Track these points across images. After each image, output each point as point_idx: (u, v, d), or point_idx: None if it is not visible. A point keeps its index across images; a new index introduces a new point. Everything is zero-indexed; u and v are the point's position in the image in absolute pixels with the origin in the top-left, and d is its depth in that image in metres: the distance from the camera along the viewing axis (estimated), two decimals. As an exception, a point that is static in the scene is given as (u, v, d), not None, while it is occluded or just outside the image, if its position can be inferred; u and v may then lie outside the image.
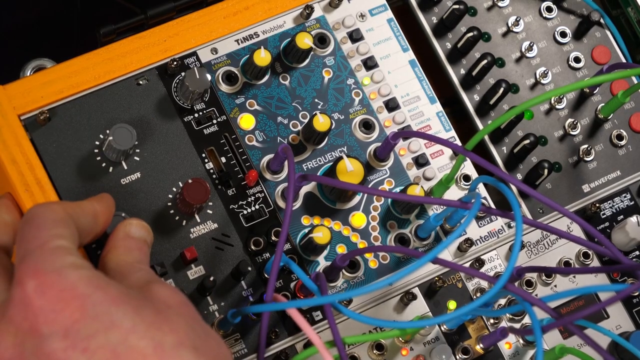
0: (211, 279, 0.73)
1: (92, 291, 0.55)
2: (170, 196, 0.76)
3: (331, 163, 0.79)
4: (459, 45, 0.85)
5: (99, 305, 0.55)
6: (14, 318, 0.56)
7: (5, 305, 0.57)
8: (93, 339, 0.54)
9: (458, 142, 0.83)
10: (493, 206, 0.81)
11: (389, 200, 0.80)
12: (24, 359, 0.55)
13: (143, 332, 0.55)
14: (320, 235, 0.75)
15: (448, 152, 0.82)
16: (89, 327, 0.54)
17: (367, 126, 0.81)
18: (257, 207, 0.78)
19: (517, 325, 0.80)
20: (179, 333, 0.56)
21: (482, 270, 0.80)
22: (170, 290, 0.60)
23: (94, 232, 0.66)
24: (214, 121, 0.79)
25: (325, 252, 0.78)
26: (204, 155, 0.78)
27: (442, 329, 0.79)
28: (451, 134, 0.83)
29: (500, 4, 0.87)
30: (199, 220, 0.76)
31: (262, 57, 0.78)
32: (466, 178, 0.82)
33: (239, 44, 0.81)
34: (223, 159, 0.78)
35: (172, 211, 0.76)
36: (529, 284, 0.81)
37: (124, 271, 0.62)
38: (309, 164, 0.80)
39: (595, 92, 0.86)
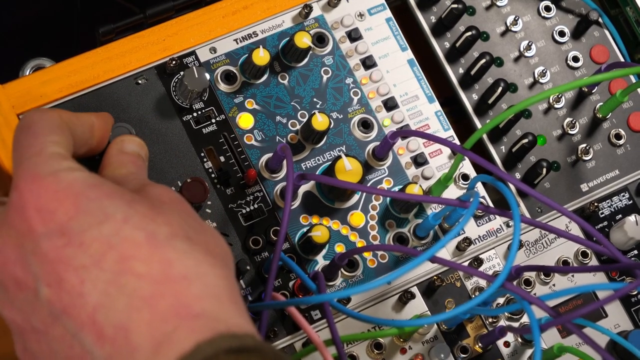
0: (210, 277, 0.74)
1: (86, 189, 0.56)
2: (169, 195, 0.76)
3: (330, 162, 0.79)
4: (457, 45, 0.85)
5: (93, 201, 0.56)
6: (13, 222, 0.56)
7: (6, 211, 0.57)
8: (87, 233, 0.55)
9: (456, 141, 0.83)
10: (491, 205, 0.81)
11: (388, 199, 0.80)
12: (24, 259, 0.56)
13: (136, 223, 0.55)
14: (319, 234, 0.75)
15: (447, 151, 0.82)
16: (82, 222, 0.55)
17: (365, 125, 0.81)
18: (255, 206, 0.78)
19: (515, 324, 0.80)
20: (173, 225, 0.56)
21: (481, 269, 0.80)
22: (164, 189, 0.60)
23: (89, 144, 0.66)
24: (213, 120, 0.79)
25: (324, 251, 0.78)
26: (202, 154, 0.78)
27: (441, 328, 0.79)
28: (450, 133, 0.83)
29: (498, 3, 0.87)
30: (197, 219, 0.76)
31: (261, 57, 0.78)
32: (465, 177, 0.82)
33: (237, 43, 0.81)
34: (222, 158, 0.78)
35: (171, 210, 0.76)
36: (528, 282, 0.81)
37: (118, 182, 0.62)
38: (308, 163, 0.80)
39: (593, 91, 0.86)
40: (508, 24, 0.86)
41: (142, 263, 0.54)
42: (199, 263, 0.55)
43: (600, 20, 0.88)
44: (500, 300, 0.80)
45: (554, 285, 0.82)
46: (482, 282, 0.80)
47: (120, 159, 0.66)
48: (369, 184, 0.80)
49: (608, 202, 0.85)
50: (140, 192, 0.60)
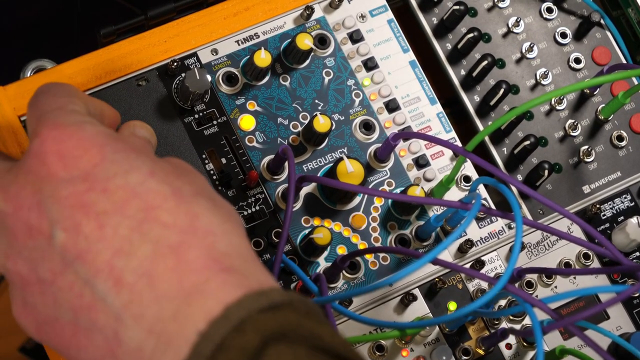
0: (211, 280, 0.73)
1: (111, 142, 0.55)
2: (171, 197, 0.76)
3: (331, 164, 0.79)
4: (459, 46, 0.85)
5: (119, 152, 0.55)
6: (32, 167, 0.55)
7: (24, 159, 0.56)
8: (112, 180, 0.53)
9: (458, 143, 0.83)
10: (493, 207, 0.81)
11: (390, 201, 0.80)
12: (42, 205, 0.54)
13: (162, 177, 0.54)
14: (321, 236, 0.75)
15: (448, 153, 0.82)
16: (108, 170, 0.54)
17: (367, 127, 0.81)
18: (257, 208, 0.78)
19: (517, 327, 0.80)
20: (197, 185, 0.56)
21: (483, 271, 0.80)
22: (182, 161, 0.60)
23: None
24: (214, 122, 0.79)
25: (325, 253, 0.78)
26: (204, 156, 0.78)
27: (443, 330, 0.79)
28: (451, 135, 0.83)
29: (500, 4, 0.87)
30: (199, 221, 0.76)
31: (263, 58, 0.78)
32: (466, 179, 0.82)
33: (239, 44, 0.81)
34: (223, 160, 0.78)
35: (172, 212, 0.76)
36: (530, 285, 0.81)
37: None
38: (309, 165, 0.80)
39: (595, 93, 0.86)
40: (510, 26, 0.86)
41: (168, 213, 0.53)
42: (223, 221, 0.54)
43: (602, 21, 0.88)
44: (502, 303, 0.80)
45: (555, 287, 0.82)
46: (484, 284, 0.80)
47: (133, 140, 0.64)
48: (370, 186, 0.80)
49: (610, 204, 0.85)
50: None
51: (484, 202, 0.81)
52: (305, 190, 0.79)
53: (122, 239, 0.52)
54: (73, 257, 0.53)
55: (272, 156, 0.78)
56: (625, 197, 0.85)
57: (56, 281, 0.54)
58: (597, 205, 0.83)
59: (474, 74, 0.84)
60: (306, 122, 0.80)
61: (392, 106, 0.82)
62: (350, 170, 0.76)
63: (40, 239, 0.54)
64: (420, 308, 0.79)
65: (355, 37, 0.83)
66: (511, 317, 0.80)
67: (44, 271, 0.54)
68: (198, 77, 0.76)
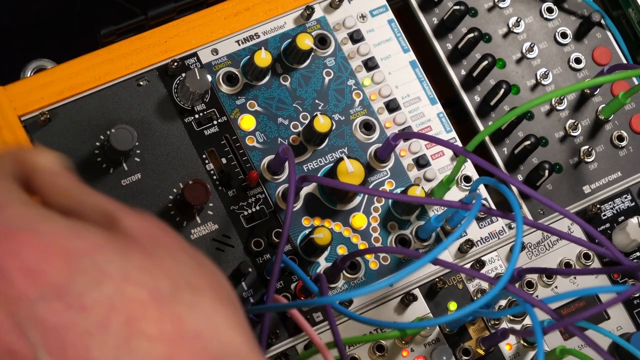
0: (212, 280, 0.73)
1: (73, 242, 0.52)
2: (171, 197, 0.76)
3: (332, 164, 0.79)
4: (459, 46, 0.85)
5: (84, 257, 0.52)
6: (1, 289, 0.52)
7: None
8: (87, 295, 0.51)
9: (459, 143, 0.83)
10: (494, 207, 0.81)
11: (390, 201, 0.80)
12: (19, 327, 0.51)
13: (136, 279, 0.51)
14: (321, 236, 0.75)
15: (449, 153, 0.82)
16: (79, 283, 0.51)
17: (367, 127, 0.81)
18: (257, 208, 0.78)
19: (517, 327, 0.80)
20: (172, 274, 0.53)
21: (483, 271, 0.80)
22: (141, 220, 0.55)
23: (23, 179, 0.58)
24: (215, 122, 0.79)
25: (325, 253, 0.78)
26: (204, 156, 0.78)
27: (443, 330, 0.79)
28: (452, 135, 0.83)
29: (501, 4, 0.86)
30: (199, 222, 0.76)
31: (263, 58, 0.78)
32: (467, 179, 0.82)
33: (239, 44, 0.81)
34: (223, 160, 0.78)
35: (172, 212, 0.76)
36: (530, 285, 0.81)
37: (75, 213, 0.56)
38: (310, 165, 0.80)
39: (596, 93, 0.86)
40: (510, 26, 0.86)
41: (152, 324, 0.51)
42: (209, 315, 0.52)
43: (602, 21, 0.88)
44: (503, 303, 0.80)
45: (556, 287, 0.81)
46: (485, 285, 0.80)
47: (51, 183, 0.57)
48: (371, 186, 0.80)
49: (610, 204, 0.85)
50: (113, 226, 0.54)
51: (484, 202, 0.81)
52: (306, 190, 0.79)
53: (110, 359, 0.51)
54: None
55: (272, 156, 0.78)
56: (626, 197, 0.85)
57: None
58: (598, 205, 0.83)
59: (475, 74, 0.84)
60: (306, 122, 0.80)
61: (392, 106, 0.82)
62: (351, 170, 0.76)
63: None
64: (420, 308, 0.79)
65: (356, 37, 0.83)
66: (511, 317, 0.80)
67: None
68: (198, 77, 0.76)
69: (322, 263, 0.78)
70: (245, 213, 0.77)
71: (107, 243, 0.52)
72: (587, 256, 0.82)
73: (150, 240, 0.54)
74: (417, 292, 0.79)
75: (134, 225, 0.54)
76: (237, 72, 0.80)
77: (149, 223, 0.55)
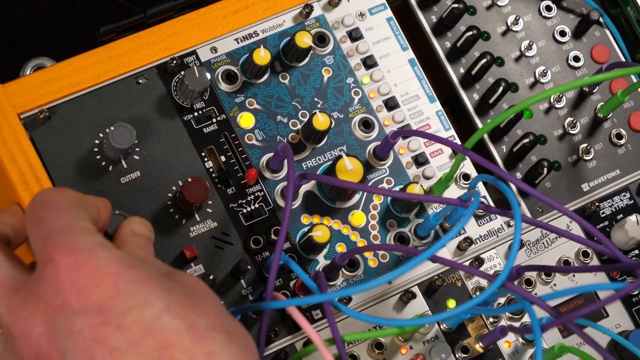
0: (211, 277, 0.74)
1: (125, 270, 0.55)
2: (170, 195, 0.76)
3: (331, 162, 0.79)
4: (458, 44, 0.85)
5: (133, 284, 0.55)
6: (44, 294, 0.55)
7: (34, 282, 0.56)
8: (127, 315, 0.53)
9: (457, 141, 0.83)
10: (492, 205, 0.81)
11: (389, 199, 0.80)
12: (54, 335, 0.54)
13: (176, 311, 0.54)
14: (320, 234, 0.75)
15: (447, 151, 0.82)
16: (123, 304, 0.54)
17: (366, 125, 0.81)
18: (256, 205, 0.78)
19: (516, 324, 0.80)
20: (211, 316, 0.56)
21: (482, 268, 0.80)
22: (194, 278, 0.60)
23: (97, 225, 0.65)
24: (214, 120, 0.79)
25: (324, 251, 0.78)
26: (203, 154, 0.78)
27: (442, 327, 0.79)
28: (450, 133, 0.83)
29: (499, 3, 0.87)
30: (198, 219, 0.76)
31: (262, 56, 0.78)
32: (466, 177, 0.82)
33: (238, 42, 0.81)
34: (223, 158, 0.78)
35: (171, 210, 0.76)
36: (529, 282, 0.81)
37: (143, 262, 0.60)
38: (309, 162, 0.80)
39: (594, 91, 0.86)
40: (509, 24, 0.86)
41: (183, 353, 0.53)
42: (238, 358, 0.55)
43: (601, 20, 0.88)
44: (501, 300, 0.80)
45: (554, 285, 0.82)
46: (483, 282, 0.80)
47: (136, 240, 0.65)
48: (369, 184, 0.80)
49: (609, 202, 0.85)
50: (170, 278, 0.58)
51: (483, 199, 0.82)
52: (305, 188, 0.79)
53: None
54: None
55: (271, 154, 0.79)
56: (625, 195, 0.85)
57: None
58: (596, 203, 0.83)
59: (473, 72, 0.84)
60: (305, 120, 0.80)
61: (391, 104, 0.82)
62: (350, 168, 0.76)
63: None
64: (419, 305, 0.79)
65: (355, 35, 0.83)
66: (510, 315, 0.80)
67: None
68: (197, 75, 0.76)
69: (321, 261, 0.78)
70: (244, 211, 0.77)
71: (157, 279, 0.56)
72: (585, 254, 0.82)
73: (196, 291, 0.58)
74: (415, 289, 0.79)
75: (187, 279, 0.59)
76: (236, 70, 0.80)
77: (199, 281, 0.60)
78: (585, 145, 0.85)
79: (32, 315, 0.55)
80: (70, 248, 0.55)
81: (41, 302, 0.55)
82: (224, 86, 0.79)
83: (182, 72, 0.78)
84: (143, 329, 0.53)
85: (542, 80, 0.85)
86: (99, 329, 0.53)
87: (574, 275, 0.82)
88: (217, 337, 0.55)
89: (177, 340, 0.53)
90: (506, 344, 0.79)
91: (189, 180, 0.74)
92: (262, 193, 0.78)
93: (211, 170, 0.78)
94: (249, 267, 0.75)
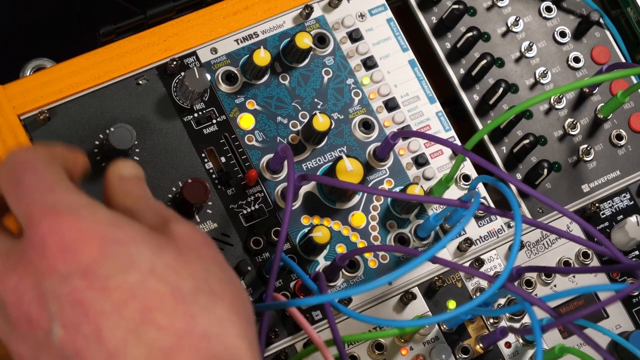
0: (211, 278, 0.74)
1: (111, 231, 0.55)
2: (170, 196, 0.76)
3: (331, 163, 0.79)
4: (458, 45, 0.85)
5: (118, 245, 0.54)
6: (32, 259, 0.55)
7: (23, 247, 0.56)
8: (111, 279, 0.53)
9: (457, 142, 0.83)
10: (493, 206, 0.81)
11: (389, 199, 0.80)
12: (43, 298, 0.54)
13: (161, 274, 0.54)
14: (320, 235, 0.75)
15: (448, 151, 0.82)
16: (107, 267, 0.54)
17: (366, 126, 0.81)
18: (256, 206, 0.78)
19: (516, 325, 0.80)
20: (197, 278, 0.55)
21: (482, 269, 0.80)
22: (189, 229, 0.59)
23: (75, 175, 0.63)
24: (214, 121, 0.79)
25: (324, 252, 0.78)
26: (203, 155, 0.78)
27: (442, 328, 0.79)
28: (451, 134, 0.83)
29: (499, 3, 0.87)
30: (198, 220, 0.76)
31: (262, 57, 0.78)
32: (466, 178, 0.82)
33: (238, 43, 0.81)
34: (223, 159, 0.78)
35: (171, 211, 0.76)
36: (529, 283, 0.81)
37: (134, 213, 0.60)
38: (309, 163, 0.80)
39: (594, 92, 0.86)
40: (509, 25, 0.86)
41: (165, 315, 0.53)
42: (221, 321, 0.54)
43: (601, 20, 0.88)
44: (502, 301, 0.80)
45: (555, 286, 0.82)
46: (484, 283, 0.80)
47: (125, 186, 0.63)
48: (370, 185, 0.80)
49: (609, 203, 0.85)
50: (163, 229, 0.58)
51: (483, 200, 0.81)
52: (305, 189, 0.79)
53: (118, 341, 0.53)
54: (71, 354, 0.54)
55: (271, 155, 0.79)
56: (625, 196, 0.85)
57: None
58: (597, 204, 0.83)
59: (473, 73, 0.84)
60: (305, 121, 0.80)
61: (391, 105, 0.82)
62: (350, 169, 0.76)
63: (39, 332, 0.55)
64: (419, 306, 0.79)
65: (355, 36, 0.83)
66: (510, 316, 0.80)
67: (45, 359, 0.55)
68: (197, 76, 0.76)
69: (321, 261, 0.78)
70: (245, 212, 0.77)
71: (144, 238, 0.55)
72: (586, 255, 0.82)
73: (189, 246, 0.57)
74: (416, 290, 0.79)
75: (181, 231, 0.58)
76: (236, 71, 0.80)
77: (195, 233, 0.58)
78: (585, 146, 0.85)
79: (21, 280, 0.55)
80: (54, 211, 0.55)
81: (30, 267, 0.55)
82: (224, 87, 0.79)
83: (182, 73, 0.78)
84: (126, 292, 0.53)
85: (542, 81, 0.85)
86: (84, 292, 0.53)
87: (574, 276, 0.82)
88: (201, 300, 0.54)
89: (160, 303, 0.53)
90: (506, 345, 0.79)
91: (189, 181, 0.74)
92: (262, 194, 0.78)
93: (211, 171, 0.78)
94: (249, 268, 0.75)
